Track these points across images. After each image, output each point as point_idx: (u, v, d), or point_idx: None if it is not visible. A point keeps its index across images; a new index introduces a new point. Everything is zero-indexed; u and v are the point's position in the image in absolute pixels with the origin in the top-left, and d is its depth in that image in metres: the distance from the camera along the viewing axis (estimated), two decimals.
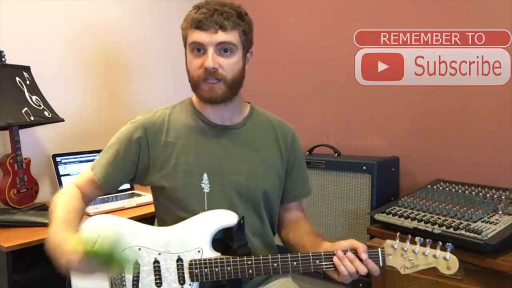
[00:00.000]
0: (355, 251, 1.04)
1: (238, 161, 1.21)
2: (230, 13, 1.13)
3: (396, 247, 1.04)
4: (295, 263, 1.05)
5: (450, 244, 1.00)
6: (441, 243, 1.01)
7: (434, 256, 1.00)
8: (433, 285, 1.42)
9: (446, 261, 0.99)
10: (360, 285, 1.74)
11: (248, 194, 1.20)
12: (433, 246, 1.01)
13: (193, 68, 1.15)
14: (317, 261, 1.05)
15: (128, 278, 1.09)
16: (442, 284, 1.40)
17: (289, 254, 1.06)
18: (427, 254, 1.00)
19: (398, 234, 1.05)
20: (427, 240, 1.02)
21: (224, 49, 1.13)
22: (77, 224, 1.13)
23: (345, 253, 1.04)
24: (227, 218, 1.13)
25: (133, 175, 1.24)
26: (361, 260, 1.03)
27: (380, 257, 1.04)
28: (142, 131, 1.21)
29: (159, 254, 1.10)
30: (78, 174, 1.29)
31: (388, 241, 1.05)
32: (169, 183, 1.19)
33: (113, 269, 1.04)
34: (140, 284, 1.09)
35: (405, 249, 1.02)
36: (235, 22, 1.13)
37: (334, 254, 1.04)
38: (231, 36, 1.13)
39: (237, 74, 1.16)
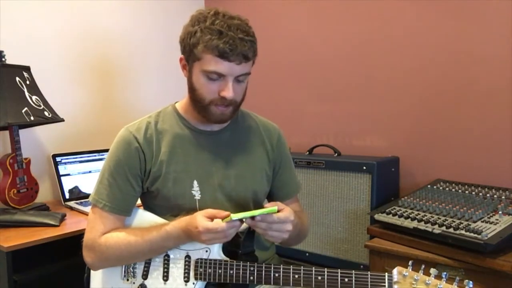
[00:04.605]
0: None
1: (226, 165, 1.20)
2: (252, 41, 1.09)
3: (406, 274, 0.97)
4: (296, 276, 1.04)
5: (470, 282, 0.93)
6: (458, 279, 0.94)
7: None
8: None
9: None
10: None
11: (237, 197, 1.21)
12: (450, 281, 0.94)
13: (206, 91, 1.11)
14: (319, 277, 1.02)
15: (140, 268, 1.13)
16: None
17: (291, 266, 1.06)
18: (440, 287, 0.94)
19: (410, 262, 0.99)
20: (444, 273, 0.96)
21: (240, 79, 1.12)
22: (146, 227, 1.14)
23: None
24: None
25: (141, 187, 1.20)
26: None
27: (387, 283, 0.98)
28: (136, 142, 1.16)
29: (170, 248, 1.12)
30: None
31: (398, 268, 0.99)
32: (160, 192, 1.17)
33: None
34: (149, 276, 1.12)
35: (416, 278, 0.96)
36: (255, 49, 1.10)
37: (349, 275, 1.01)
38: (249, 66, 1.11)
39: (244, 95, 1.17)
